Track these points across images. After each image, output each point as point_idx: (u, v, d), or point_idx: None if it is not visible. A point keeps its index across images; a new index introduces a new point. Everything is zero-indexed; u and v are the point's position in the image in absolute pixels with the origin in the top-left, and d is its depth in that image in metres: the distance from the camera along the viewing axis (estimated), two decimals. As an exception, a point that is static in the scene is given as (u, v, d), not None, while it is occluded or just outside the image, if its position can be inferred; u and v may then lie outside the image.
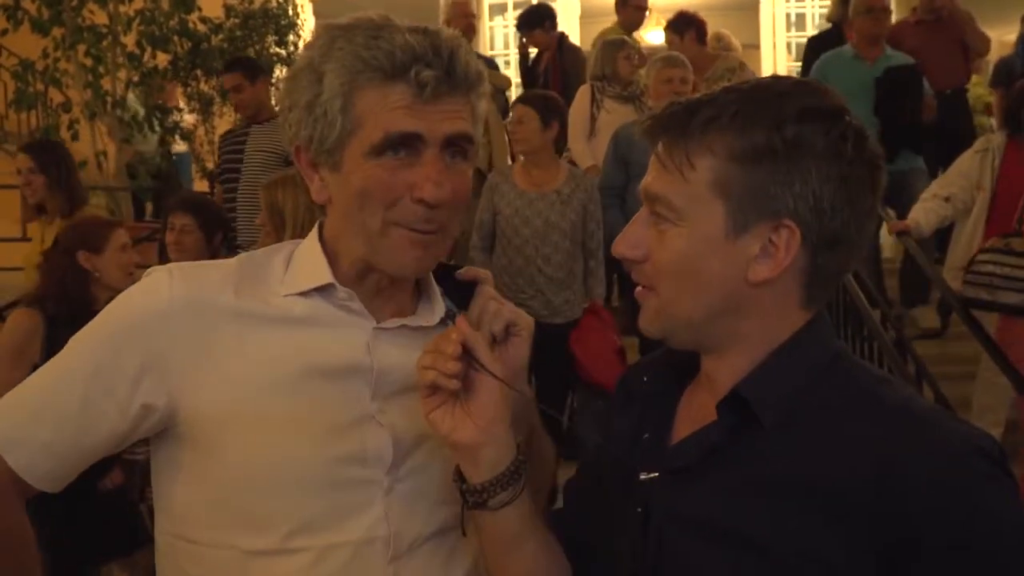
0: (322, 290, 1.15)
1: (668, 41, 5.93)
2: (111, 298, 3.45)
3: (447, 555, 1.18)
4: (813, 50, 6.17)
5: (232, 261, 1.20)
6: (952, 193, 4.25)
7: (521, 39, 6.95)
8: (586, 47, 6.87)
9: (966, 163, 4.29)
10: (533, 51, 6.83)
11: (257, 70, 5.23)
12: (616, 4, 6.35)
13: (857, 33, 5.41)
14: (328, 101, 1.09)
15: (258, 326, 1.13)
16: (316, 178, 1.15)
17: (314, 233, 1.20)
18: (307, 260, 1.17)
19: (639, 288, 1.04)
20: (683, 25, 5.93)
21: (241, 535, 1.11)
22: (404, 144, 1.08)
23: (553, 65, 6.27)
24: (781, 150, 0.94)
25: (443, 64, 1.07)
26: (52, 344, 2.95)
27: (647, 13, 6.66)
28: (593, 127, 5.38)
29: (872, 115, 5.02)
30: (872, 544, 0.88)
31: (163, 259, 4.48)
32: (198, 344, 1.11)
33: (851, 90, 5.01)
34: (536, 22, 6.53)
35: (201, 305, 1.12)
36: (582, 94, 5.51)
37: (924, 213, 4.29)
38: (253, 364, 1.11)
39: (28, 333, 3.02)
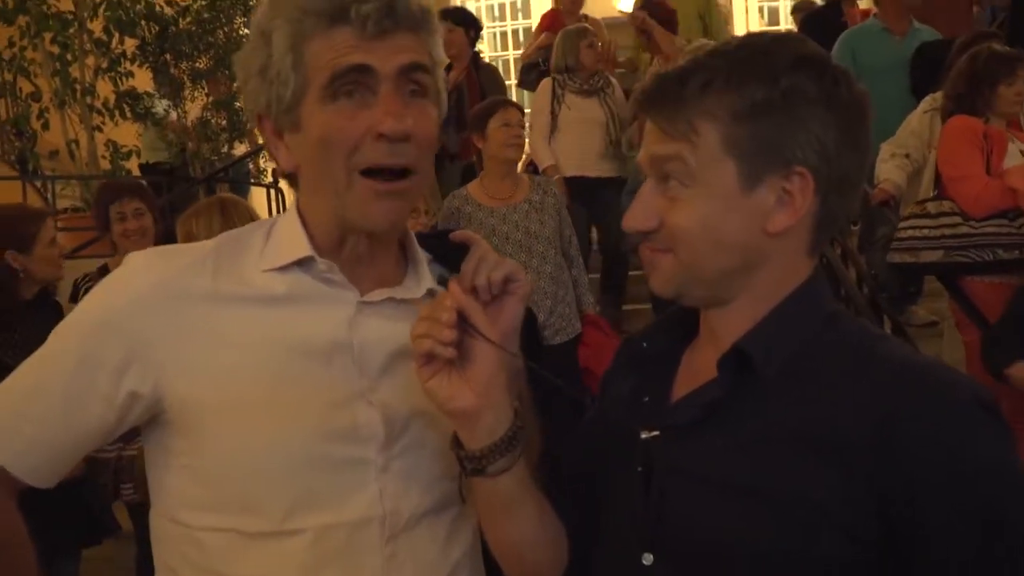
0: (302, 263, 1.14)
1: (638, 41, 5.77)
2: (42, 291, 3.31)
3: (446, 532, 1.19)
4: (809, 29, 5.89)
5: (210, 241, 1.19)
6: (908, 152, 4.28)
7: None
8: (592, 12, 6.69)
9: (915, 122, 4.30)
10: None
11: None
12: None
13: (889, 3, 5.14)
14: (279, 61, 1.08)
15: (238, 308, 1.12)
16: (281, 146, 1.14)
17: (293, 207, 1.19)
18: (286, 233, 1.16)
19: (648, 251, 1.05)
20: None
21: (237, 518, 1.11)
22: (356, 83, 1.07)
23: (469, 82, 5.63)
24: (780, 101, 0.97)
25: (385, 3, 1.06)
26: None
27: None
28: (554, 124, 5.15)
29: (908, 94, 4.80)
30: (872, 491, 0.91)
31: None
32: (178, 329, 1.10)
33: (884, 67, 4.89)
34: (468, 21, 5.94)
35: (179, 289, 1.12)
36: (542, 89, 5.27)
37: (895, 171, 4.31)
38: (235, 348, 1.11)
39: None
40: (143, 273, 1.14)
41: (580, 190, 5.01)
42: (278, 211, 7.23)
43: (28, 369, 1.16)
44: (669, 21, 5.70)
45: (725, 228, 0.99)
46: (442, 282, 1.09)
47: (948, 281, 3.73)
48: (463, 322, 1.04)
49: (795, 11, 8.10)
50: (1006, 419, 0.94)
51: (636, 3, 5.88)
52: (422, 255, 1.23)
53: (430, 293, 1.19)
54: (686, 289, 1.04)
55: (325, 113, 1.07)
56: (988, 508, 0.90)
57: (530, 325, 1.22)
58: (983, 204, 3.49)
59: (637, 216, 1.03)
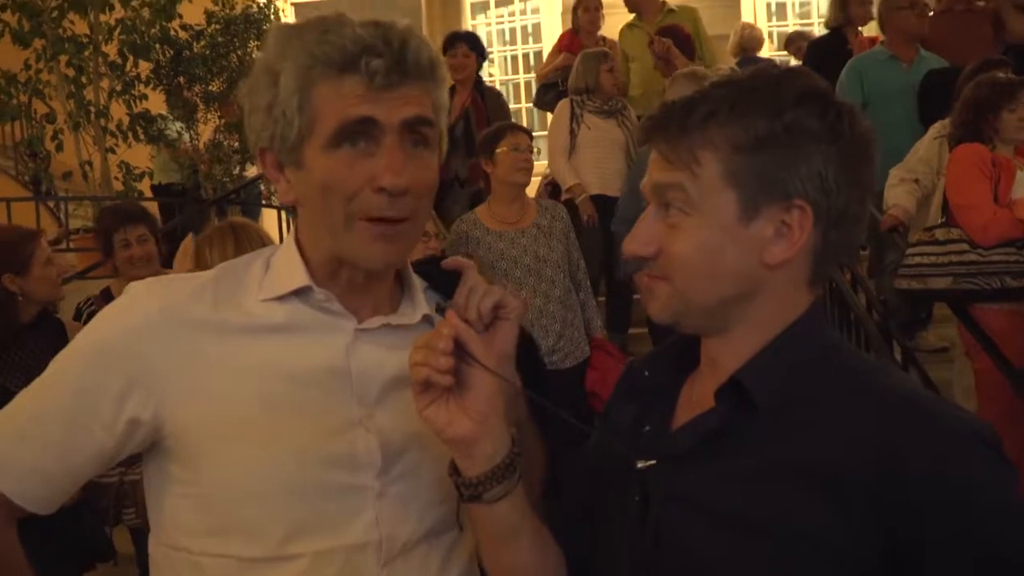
0: (299, 293, 1.15)
1: (655, 66, 5.73)
2: (43, 312, 3.22)
3: (441, 556, 1.19)
4: (814, 56, 5.87)
5: (211, 271, 1.21)
6: (917, 178, 4.28)
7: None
8: (610, 34, 6.73)
9: (925, 149, 4.30)
10: None
11: None
12: None
13: (895, 32, 5.13)
14: (285, 101, 1.09)
15: (238, 336, 1.13)
16: (282, 179, 1.15)
17: (291, 236, 1.21)
18: (284, 263, 1.18)
19: (646, 278, 1.05)
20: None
21: (235, 544, 1.12)
22: (361, 133, 1.08)
23: (476, 108, 5.54)
24: (782, 136, 0.97)
25: (393, 53, 1.08)
26: None
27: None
28: (573, 144, 5.13)
29: (916, 121, 4.80)
30: (872, 525, 0.90)
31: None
32: (178, 357, 1.12)
33: (889, 94, 4.93)
34: (478, 49, 5.80)
35: (179, 318, 1.13)
36: (560, 110, 5.25)
37: (905, 196, 4.31)
38: (234, 375, 1.12)
39: None
40: (144, 301, 1.15)
41: (600, 210, 4.98)
42: (289, 232, 7.25)
43: (30, 396, 1.17)
44: (686, 46, 5.68)
45: (722, 258, 1.00)
46: (440, 310, 1.10)
47: (957, 308, 3.72)
48: (460, 350, 1.05)
49: (789, 43, 8.13)
50: (1008, 455, 0.94)
51: (652, 30, 5.89)
52: (417, 281, 1.25)
53: (426, 319, 1.21)
54: (682, 317, 1.05)
55: (328, 159, 1.09)
56: (991, 545, 0.89)
57: (531, 352, 1.22)
58: (991, 233, 3.49)
59: (637, 240, 1.04)
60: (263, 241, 2.89)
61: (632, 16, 6.32)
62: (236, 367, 1.12)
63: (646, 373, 1.16)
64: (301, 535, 1.11)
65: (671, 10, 6.19)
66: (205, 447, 1.12)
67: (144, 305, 1.15)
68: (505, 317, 1.13)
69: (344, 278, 1.17)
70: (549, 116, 5.80)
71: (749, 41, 7.40)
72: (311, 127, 1.09)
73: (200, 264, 2.82)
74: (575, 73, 5.29)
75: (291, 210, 1.16)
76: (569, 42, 6.60)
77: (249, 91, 1.15)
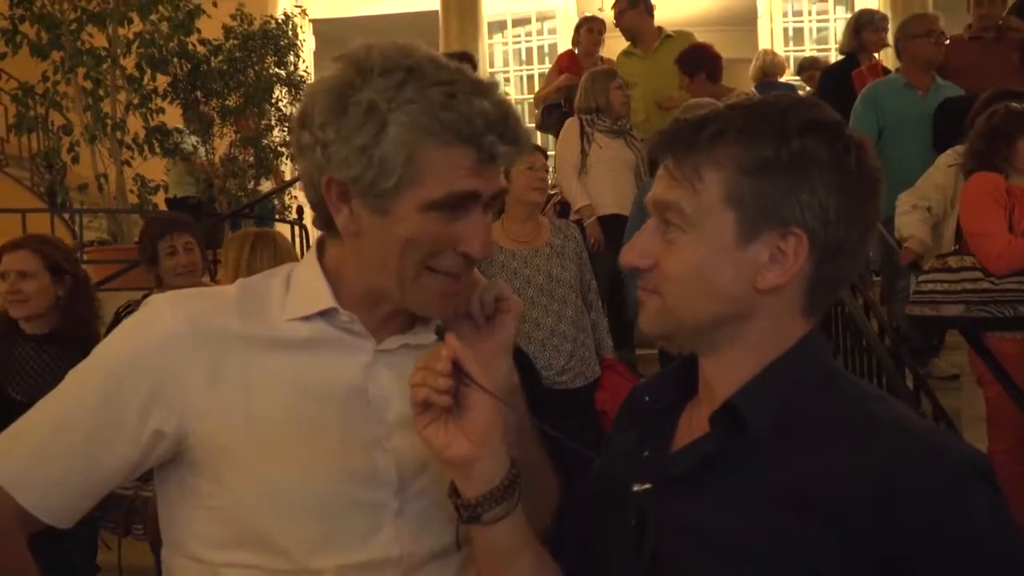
0: (324, 313, 1.16)
1: (679, 83, 5.69)
2: (64, 324, 3.25)
3: (456, 572, 1.20)
4: (828, 83, 5.87)
5: (231, 287, 1.22)
6: (930, 205, 4.26)
7: None
8: (611, 54, 6.72)
9: (940, 176, 4.27)
10: None
11: None
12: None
13: (911, 60, 5.12)
14: (391, 152, 1.07)
15: (262, 350, 1.14)
16: (345, 210, 1.12)
17: (312, 256, 1.21)
18: (307, 284, 1.19)
19: (641, 290, 1.06)
20: (694, 67, 5.63)
21: (261, 556, 1.13)
22: (461, 204, 1.10)
23: None
24: (787, 162, 0.97)
25: (512, 135, 1.10)
26: None
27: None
28: (584, 162, 5.08)
29: (930, 149, 4.75)
30: (868, 558, 0.90)
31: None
32: (203, 370, 1.12)
33: (905, 120, 4.93)
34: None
35: (205, 331, 1.14)
36: (570, 129, 5.19)
37: (920, 225, 4.29)
38: (258, 387, 1.13)
39: None
40: (169, 314, 1.15)
41: (615, 228, 4.87)
42: (301, 246, 7.29)
43: (49, 408, 1.17)
44: (713, 67, 5.63)
45: (715, 277, 1.00)
46: (438, 332, 1.11)
47: (969, 335, 3.70)
48: (459, 371, 1.05)
49: (801, 70, 8.14)
50: (1009, 486, 0.93)
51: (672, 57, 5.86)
52: None
53: (438, 332, 1.21)
54: (672, 332, 1.05)
55: (422, 219, 1.09)
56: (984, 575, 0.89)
57: (529, 372, 1.23)
58: (1004, 262, 3.47)
59: (635, 251, 1.05)
60: (275, 245, 2.93)
61: (628, 44, 6.32)
62: (260, 380, 1.13)
63: (647, 399, 1.16)
64: (325, 549, 1.12)
65: (668, 35, 6.18)
66: (228, 459, 1.13)
67: (170, 318, 1.15)
68: (506, 310, 1.18)
69: (383, 310, 1.18)
70: (547, 137, 5.76)
71: (771, 67, 7.42)
72: (412, 183, 1.08)
73: (226, 261, 3.09)
74: (584, 92, 5.23)
75: (330, 228, 1.15)
76: (569, 63, 6.60)
77: (334, 115, 1.09)
